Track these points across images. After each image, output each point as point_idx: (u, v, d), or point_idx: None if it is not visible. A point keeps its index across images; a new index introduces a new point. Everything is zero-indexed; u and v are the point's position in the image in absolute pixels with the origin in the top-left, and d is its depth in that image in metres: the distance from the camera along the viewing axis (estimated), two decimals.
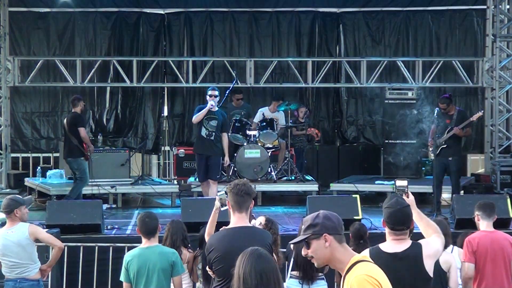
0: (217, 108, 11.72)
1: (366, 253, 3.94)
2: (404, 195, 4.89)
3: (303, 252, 3.89)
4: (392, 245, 4.71)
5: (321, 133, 14.91)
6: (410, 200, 4.88)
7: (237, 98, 13.95)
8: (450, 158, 11.68)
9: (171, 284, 6.43)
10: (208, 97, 11.67)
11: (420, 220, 4.91)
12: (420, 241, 4.80)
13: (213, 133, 11.68)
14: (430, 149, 11.97)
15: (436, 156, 11.75)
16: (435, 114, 12.20)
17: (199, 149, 11.93)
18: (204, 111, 11.62)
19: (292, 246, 7.67)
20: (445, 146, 11.54)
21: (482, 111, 12.41)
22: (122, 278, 6.37)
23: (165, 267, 6.31)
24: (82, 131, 11.88)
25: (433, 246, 4.74)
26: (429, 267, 4.64)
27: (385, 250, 4.70)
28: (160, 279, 6.27)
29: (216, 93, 11.73)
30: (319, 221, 3.83)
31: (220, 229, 5.56)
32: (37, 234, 7.25)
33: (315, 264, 3.90)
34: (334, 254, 3.83)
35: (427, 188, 11.82)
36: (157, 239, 6.48)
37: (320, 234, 3.81)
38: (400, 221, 4.69)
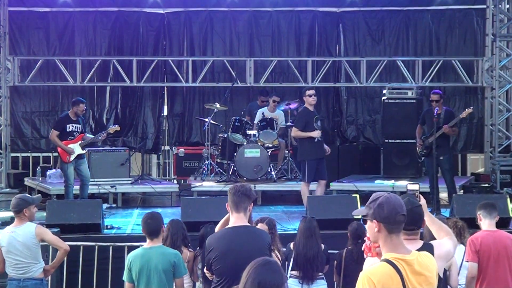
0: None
1: (409, 255, 3.89)
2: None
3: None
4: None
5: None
6: (422, 204, 4.85)
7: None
8: (441, 157, 11.70)
9: (174, 286, 6.41)
10: (309, 97, 11.51)
11: (432, 224, 4.90)
12: (432, 242, 4.79)
13: (321, 134, 11.57)
14: (419, 150, 11.98)
15: (427, 157, 11.77)
16: (421, 114, 12.24)
17: (312, 154, 11.44)
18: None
19: (292, 246, 7.69)
20: (435, 145, 11.52)
21: (472, 107, 12.37)
22: (124, 277, 6.37)
23: (167, 268, 6.28)
24: (51, 133, 12.00)
25: (445, 247, 4.72)
26: (439, 268, 4.61)
27: None
28: (161, 280, 6.25)
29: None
30: (372, 206, 3.94)
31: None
32: (43, 236, 7.30)
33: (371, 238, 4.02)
34: (381, 242, 3.91)
35: (427, 188, 11.81)
36: (161, 239, 6.48)
37: (372, 218, 3.92)
38: (412, 221, 4.64)
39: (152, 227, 6.40)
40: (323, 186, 11.61)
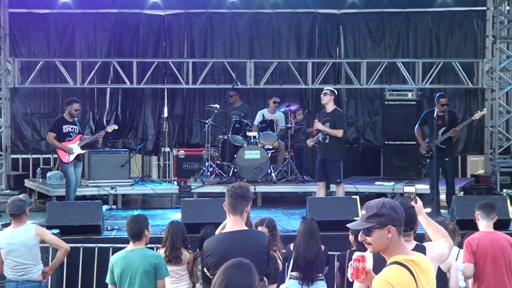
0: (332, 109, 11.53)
1: (414, 256, 3.90)
2: (412, 201, 4.87)
3: (360, 237, 3.88)
4: None
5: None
6: (418, 206, 4.84)
7: (230, 95, 13.89)
8: (446, 159, 11.72)
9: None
10: (322, 94, 11.68)
11: (428, 226, 4.89)
12: (425, 243, 4.79)
13: (327, 136, 11.42)
14: (424, 151, 11.92)
15: (431, 159, 11.76)
16: (422, 115, 12.21)
17: (319, 153, 11.67)
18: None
19: (292, 247, 7.68)
20: (443, 147, 11.55)
21: (485, 109, 12.36)
22: (107, 280, 6.41)
23: (148, 270, 6.31)
24: (48, 136, 12.04)
25: (438, 249, 4.71)
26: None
27: None
28: (142, 282, 6.27)
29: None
30: (386, 212, 3.83)
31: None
32: (43, 236, 7.29)
33: (369, 250, 3.89)
34: (391, 246, 3.85)
35: (426, 189, 11.81)
36: (144, 242, 6.47)
37: (385, 225, 3.81)
38: (406, 222, 4.63)
39: (133, 230, 6.43)
40: (338, 188, 11.59)
